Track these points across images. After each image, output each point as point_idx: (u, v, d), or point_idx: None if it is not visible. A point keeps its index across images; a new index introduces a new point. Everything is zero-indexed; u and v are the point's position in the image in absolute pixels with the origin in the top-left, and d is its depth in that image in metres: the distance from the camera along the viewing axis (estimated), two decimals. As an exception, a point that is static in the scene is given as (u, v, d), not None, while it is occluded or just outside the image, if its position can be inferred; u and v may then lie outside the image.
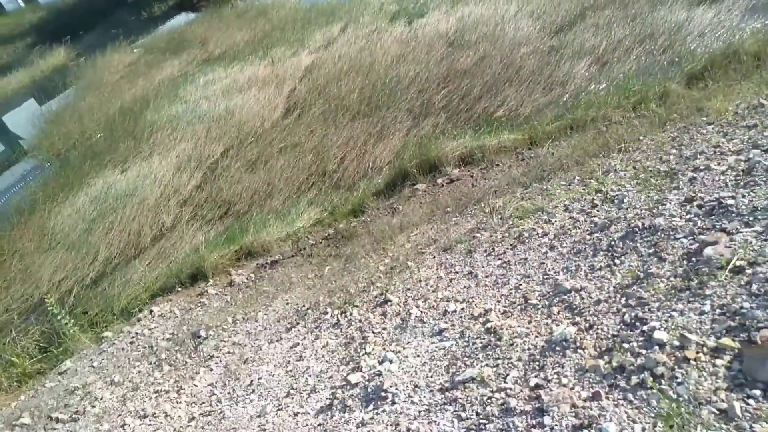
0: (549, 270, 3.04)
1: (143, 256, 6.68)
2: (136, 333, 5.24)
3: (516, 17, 7.70)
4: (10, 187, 8.88)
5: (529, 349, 2.38)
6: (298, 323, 4.12)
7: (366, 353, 3.04)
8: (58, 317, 5.47)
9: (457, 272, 3.70)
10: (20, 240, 7.13)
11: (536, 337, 2.43)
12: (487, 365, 2.38)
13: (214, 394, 3.57)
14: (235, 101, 8.46)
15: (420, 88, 7.49)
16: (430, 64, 7.71)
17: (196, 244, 6.61)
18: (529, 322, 2.59)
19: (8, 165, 9.77)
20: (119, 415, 3.78)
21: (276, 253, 6.04)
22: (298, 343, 3.75)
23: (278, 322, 4.34)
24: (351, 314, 3.80)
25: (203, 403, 3.52)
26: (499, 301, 2.97)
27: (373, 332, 3.32)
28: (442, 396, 2.34)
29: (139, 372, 4.46)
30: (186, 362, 4.30)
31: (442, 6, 8.82)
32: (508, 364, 2.34)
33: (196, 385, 3.81)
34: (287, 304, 4.64)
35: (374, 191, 6.39)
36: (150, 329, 5.26)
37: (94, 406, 4.10)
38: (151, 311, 5.57)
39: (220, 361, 4.04)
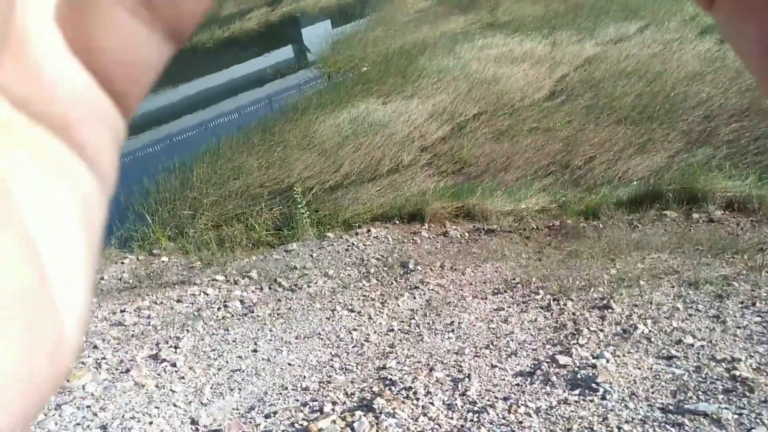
0: (829, 350, 2.58)
1: (376, 182, 7.24)
2: (353, 243, 5.78)
3: None
4: (292, 88, 10.25)
5: (788, 415, 2.07)
6: (505, 291, 4.14)
7: (578, 344, 2.95)
8: (299, 205, 6.26)
9: (699, 311, 3.34)
10: (288, 133, 8.24)
11: (800, 408, 2.10)
12: (727, 409, 2.14)
13: (414, 318, 3.80)
14: (504, 70, 8.53)
15: (707, 113, 6.72)
16: (730, 92, 6.84)
17: (424, 189, 6.96)
18: (792, 390, 2.25)
19: (295, 70, 11.26)
20: (330, 301, 4.26)
21: (494, 223, 6.08)
22: (503, 309, 3.78)
23: (485, 283, 4.41)
24: (564, 304, 3.69)
25: (403, 321, 3.78)
26: (751, 356, 2.62)
27: (588, 329, 3.20)
28: (663, 416, 2.18)
29: (349, 275, 4.93)
30: (392, 283, 4.63)
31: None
32: (756, 418, 2.07)
33: (399, 305, 4.10)
34: (496, 271, 4.68)
35: (616, 201, 6.01)
36: (365, 245, 5.75)
37: (309, 286, 4.67)
38: (369, 230, 6.07)
39: (424, 294, 4.27)
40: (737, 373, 2.42)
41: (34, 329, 0.13)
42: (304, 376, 3.20)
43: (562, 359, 2.76)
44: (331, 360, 3.37)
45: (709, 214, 5.45)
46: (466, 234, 5.86)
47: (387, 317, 3.88)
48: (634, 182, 6.34)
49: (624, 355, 2.76)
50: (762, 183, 5.56)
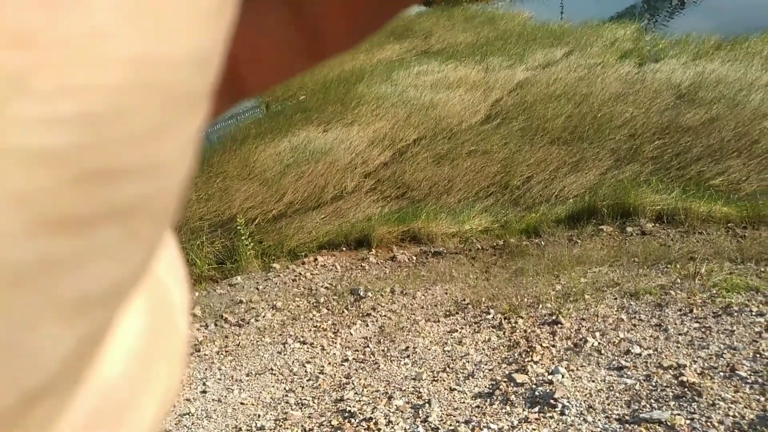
0: (763, 350, 2.73)
1: (321, 210, 7.19)
2: (300, 273, 5.68)
3: (767, 88, 6.98)
4: (230, 118, 10.09)
5: (735, 416, 2.16)
6: (457, 313, 4.17)
7: (533, 361, 2.99)
8: (242, 237, 6.11)
9: (642, 320, 3.47)
10: (227, 163, 8.07)
11: (745, 407, 2.20)
12: (680, 415, 2.21)
13: (368, 346, 3.75)
14: (441, 96, 8.75)
15: (632, 132, 7.13)
16: (651, 112, 7.30)
17: (369, 214, 6.97)
18: (736, 391, 2.35)
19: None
20: (280, 334, 4.14)
21: (440, 245, 6.15)
22: (456, 330, 3.79)
23: (436, 306, 4.43)
24: (515, 322, 3.75)
25: (357, 350, 3.72)
26: (695, 361, 2.74)
27: (540, 345, 3.25)
28: (621, 426, 2.22)
29: (299, 306, 4.82)
30: (343, 311, 4.56)
31: (683, 56, 8.29)
32: (707, 422, 2.15)
33: (352, 334, 4.03)
34: (446, 293, 4.71)
35: (555, 218, 6.23)
36: (313, 274, 5.66)
37: (257, 320, 4.53)
38: (315, 259, 5.99)
39: (376, 321, 4.22)
40: (684, 378, 2.52)
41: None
42: (259, 415, 3.07)
43: (519, 377, 2.78)
44: (286, 395, 3.26)
45: (642, 227, 5.73)
46: (414, 257, 5.88)
47: (341, 347, 3.81)
48: (570, 199, 6.60)
49: (577, 369, 2.82)
50: (686, 196, 5.92)
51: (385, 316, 4.32)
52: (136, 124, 0.09)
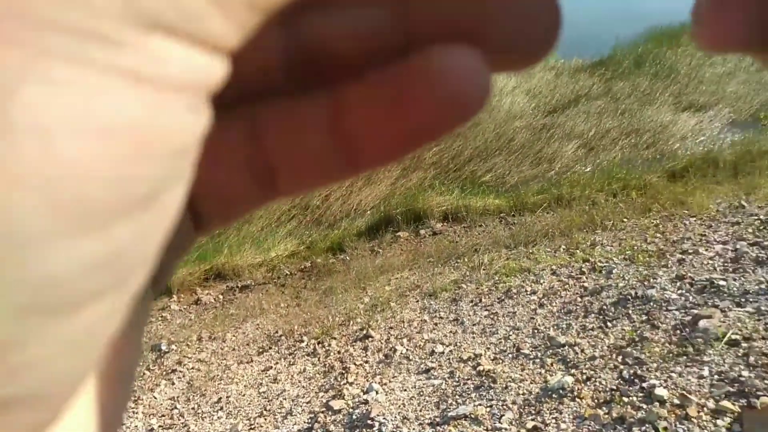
0: (539, 325, 3.09)
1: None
2: (89, 337, 4.98)
3: (513, 92, 8.10)
4: None
5: (524, 393, 2.39)
6: (270, 348, 4.01)
7: (348, 382, 2.98)
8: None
9: (441, 317, 3.70)
10: None
11: (531, 383, 2.45)
12: (480, 405, 2.37)
13: (176, 407, 3.39)
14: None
15: (413, 142, 7.69)
16: (426, 122, 7.96)
17: (166, 258, 6.41)
18: (522, 369, 2.61)
19: None
20: (66, 416, 3.53)
21: (248, 278, 5.92)
22: (271, 367, 3.63)
23: (248, 345, 4.21)
24: (329, 345, 3.73)
25: (163, 415, 3.34)
26: (488, 348, 2.99)
27: (354, 364, 3.27)
28: (433, 429, 2.31)
29: (90, 377, 4.20)
30: (144, 374, 4.08)
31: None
32: (503, 405, 2.34)
33: (156, 398, 3.62)
34: (258, 328, 4.52)
35: (356, 232, 6.42)
36: (105, 335, 5.00)
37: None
38: (107, 318, 5.31)
39: (183, 376, 3.86)
40: (481, 368, 2.72)
41: None
42: None
43: (336, 404, 2.74)
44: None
45: (432, 228, 6.21)
46: (220, 296, 5.56)
47: (143, 416, 3.38)
48: (368, 211, 6.89)
49: (390, 381, 2.88)
50: (465, 194, 6.57)
51: (192, 368, 3.97)
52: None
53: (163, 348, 4.39)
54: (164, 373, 4.00)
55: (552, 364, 2.59)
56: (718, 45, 0.17)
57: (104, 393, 0.15)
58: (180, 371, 3.95)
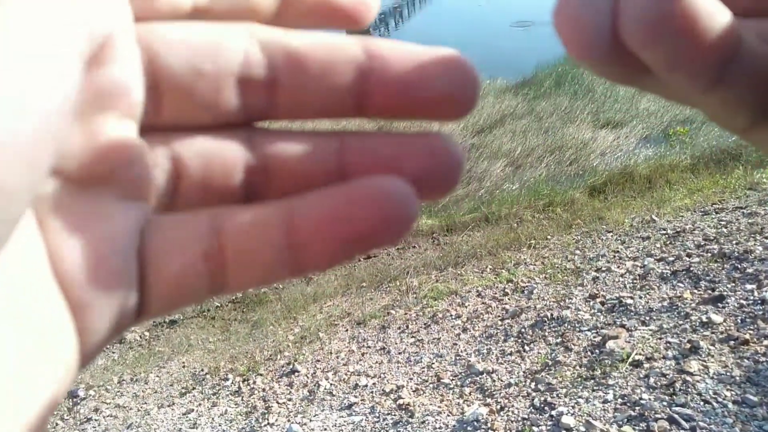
0: (462, 351, 3.10)
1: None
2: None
3: (442, 113, 8.25)
4: None
5: (440, 427, 2.37)
6: (194, 388, 3.84)
7: (269, 424, 2.88)
8: None
9: (369, 347, 3.66)
10: None
11: (448, 416, 2.43)
12: (397, 442, 2.33)
13: (87, 461, 3.18)
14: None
15: (346, 164, 7.69)
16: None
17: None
18: (441, 401, 2.60)
19: None
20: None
21: (176, 312, 5.70)
22: (193, 410, 3.47)
23: (171, 385, 4.02)
24: (254, 382, 3.61)
25: (72, 471, 3.12)
26: (411, 379, 2.96)
27: (277, 402, 3.17)
28: (349, 473, 2.24)
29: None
30: (56, 424, 3.82)
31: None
32: (419, 442, 2.31)
33: (66, 451, 3.38)
34: (183, 367, 4.33)
35: (289, 259, 6.31)
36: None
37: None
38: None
39: (99, 425, 3.64)
40: (402, 401, 2.69)
41: None
42: None
43: (254, 449, 2.64)
44: None
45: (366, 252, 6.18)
46: (146, 333, 5.30)
47: (51, 474, 3.15)
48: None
49: (311, 420, 2.80)
50: (398, 216, 6.60)
51: (110, 415, 3.75)
52: None
53: (81, 394, 4.13)
54: (78, 422, 3.76)
55: (470, 393, 2.59)
56: (578, 55, 0.18)
57: None
58: (96, 419, 3.72)
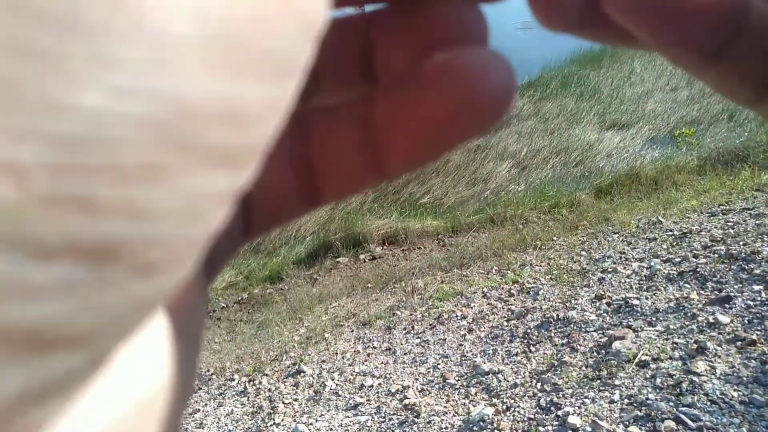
0: (467, 352, 3.10)
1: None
2: None
3: (448, 114, 8.25)
4: None
5: (446, 427, 2.37)
6: (200, 388, 3.85)
7: (275, 423, 2.89)
8: None
9: (375, 347, 3.66)
10: None
11: (454, 416, 2.43)
12: (403, 442, 2.33)
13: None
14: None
15: (352, 165, 7.70)
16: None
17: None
18: (447, 401, 2.60)
19: None
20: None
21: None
22: (199, 410, 3.49)
23: (178, 385, 4.04)
24: (260, 383, 3.62)
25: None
26: (417, 379, 2.96)
27: (283, 402, 3.17)
28: (355, 472, 2.25)
29: None
30: (64, 423, 3.85)
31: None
32: (424, 442, 2.31)
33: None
34: (190, 367, 4.35)
35: (295, 259, 6.33)
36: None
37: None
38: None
39: (106, 424, 3.65)
40: (408, 401, 2.69)
41: None
42: None
43: (260, 448, 2.64)
44: None
45: (372, 252, 6.18)
46: (152, 333, 5.33)
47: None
48: (308, 237, 6.81)
49: (317, 420, 2.81)
50: (403, 216, 6.60)
51: (116, 415, 3.77)
52: (120, 157, 0.08)
53: (87, 394, 4.16)
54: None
55: (476, 394, 2.59)
56: (548, 24, 0.17)
57: (175, 346, 0.14)
58: (102, 420, 3.74)
